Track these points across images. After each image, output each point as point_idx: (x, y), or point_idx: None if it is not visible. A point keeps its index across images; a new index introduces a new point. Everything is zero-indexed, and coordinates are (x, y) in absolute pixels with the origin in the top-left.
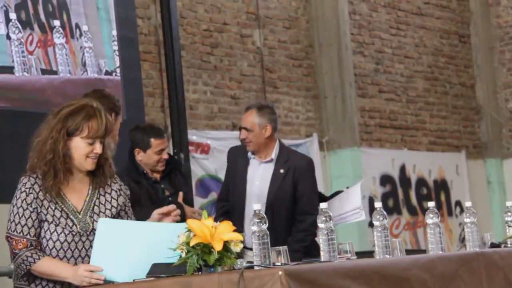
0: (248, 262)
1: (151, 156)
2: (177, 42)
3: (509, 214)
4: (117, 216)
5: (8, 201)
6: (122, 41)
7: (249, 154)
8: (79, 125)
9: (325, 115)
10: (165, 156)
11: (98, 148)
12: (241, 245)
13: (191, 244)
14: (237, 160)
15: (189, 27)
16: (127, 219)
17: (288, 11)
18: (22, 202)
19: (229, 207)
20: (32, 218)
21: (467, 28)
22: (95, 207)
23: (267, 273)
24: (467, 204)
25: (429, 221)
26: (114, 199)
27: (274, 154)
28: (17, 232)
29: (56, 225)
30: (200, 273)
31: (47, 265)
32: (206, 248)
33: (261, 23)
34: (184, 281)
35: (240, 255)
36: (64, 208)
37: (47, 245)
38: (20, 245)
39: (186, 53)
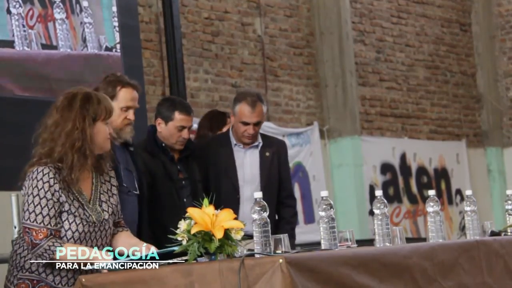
0: (249, 250)
1: (171, 130)
2: (178, 30)
3: (509, 202)
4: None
5: (7, 188)
6: (123, 29)
7: (234, 142)
8: (97, 110)
9: (326, 104)
10: (185, 135)
11: (110, 128)
12: (242, 233)
13: (192, 232)
14: (217, 150)
15: (190, 15)
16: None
17: (289, 0)
18: (45, 192)
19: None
20: (54, 208)
21: (468, 16)
22: (101, 195)
23: (268, 261)
24: (468, 192)
25: (429, 209)
26: (114, 186)
27: (259, 138)
28: (37, 222)
29: (75, 216)
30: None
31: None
32: (207, 236)
33: (262, 12)
34: (185, 268)
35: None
36: (80, 199)
37: (65, 235)
38: (40, 235)
39: (187, 41)
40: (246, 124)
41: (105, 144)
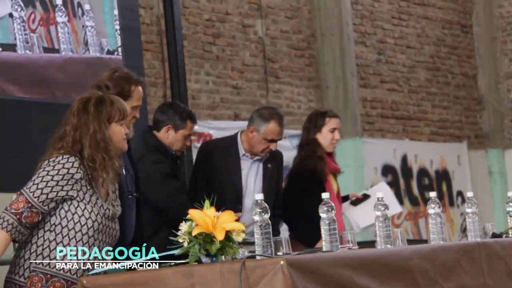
0: (250, 251)
1: (179, 137)
2: (179, 32)
3: (511, 204)
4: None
5: (7, 190)
6: (124, 31)
7: (242, 152)
8: (111, 112)
9: (327, 105)
10: (189, 143)
11: (126, 129)
12: (243, 235)
13: (193, 233)
14: (224, 157)
15: (191, 17)
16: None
17: (290, 1)
18: (58, 175)
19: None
20: (56, 192)
21: (469, 18)
22: (112, 200)
23: (269, 262)
24: (469, 194)
25: (430, 211)
26: (118, 192)
27: None
28: (31, 190)
29: (92, 206)
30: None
31: None
32: (208, 238)
33: (263, 13)
34: (186, 270)
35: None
36: (98, 193)
37: (79, 221)
38: (20, 204)
39: (188, 43)
40: (272, 141)
41: (121, 145)
